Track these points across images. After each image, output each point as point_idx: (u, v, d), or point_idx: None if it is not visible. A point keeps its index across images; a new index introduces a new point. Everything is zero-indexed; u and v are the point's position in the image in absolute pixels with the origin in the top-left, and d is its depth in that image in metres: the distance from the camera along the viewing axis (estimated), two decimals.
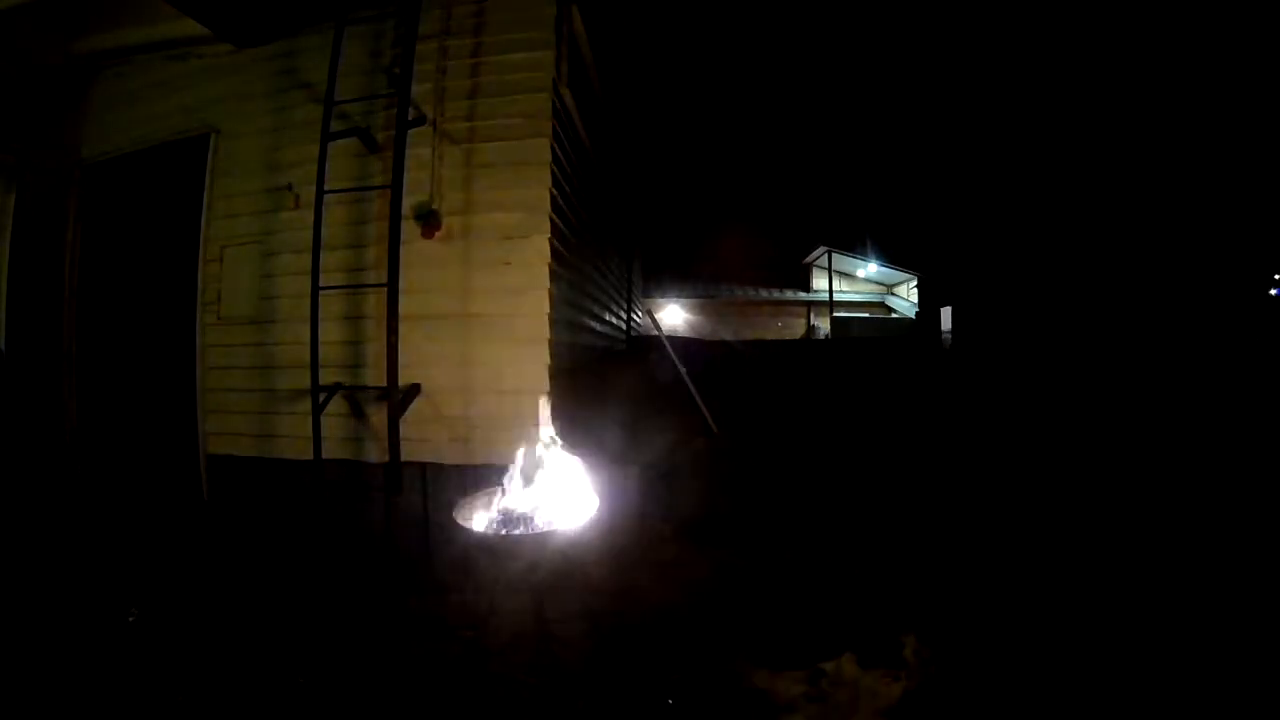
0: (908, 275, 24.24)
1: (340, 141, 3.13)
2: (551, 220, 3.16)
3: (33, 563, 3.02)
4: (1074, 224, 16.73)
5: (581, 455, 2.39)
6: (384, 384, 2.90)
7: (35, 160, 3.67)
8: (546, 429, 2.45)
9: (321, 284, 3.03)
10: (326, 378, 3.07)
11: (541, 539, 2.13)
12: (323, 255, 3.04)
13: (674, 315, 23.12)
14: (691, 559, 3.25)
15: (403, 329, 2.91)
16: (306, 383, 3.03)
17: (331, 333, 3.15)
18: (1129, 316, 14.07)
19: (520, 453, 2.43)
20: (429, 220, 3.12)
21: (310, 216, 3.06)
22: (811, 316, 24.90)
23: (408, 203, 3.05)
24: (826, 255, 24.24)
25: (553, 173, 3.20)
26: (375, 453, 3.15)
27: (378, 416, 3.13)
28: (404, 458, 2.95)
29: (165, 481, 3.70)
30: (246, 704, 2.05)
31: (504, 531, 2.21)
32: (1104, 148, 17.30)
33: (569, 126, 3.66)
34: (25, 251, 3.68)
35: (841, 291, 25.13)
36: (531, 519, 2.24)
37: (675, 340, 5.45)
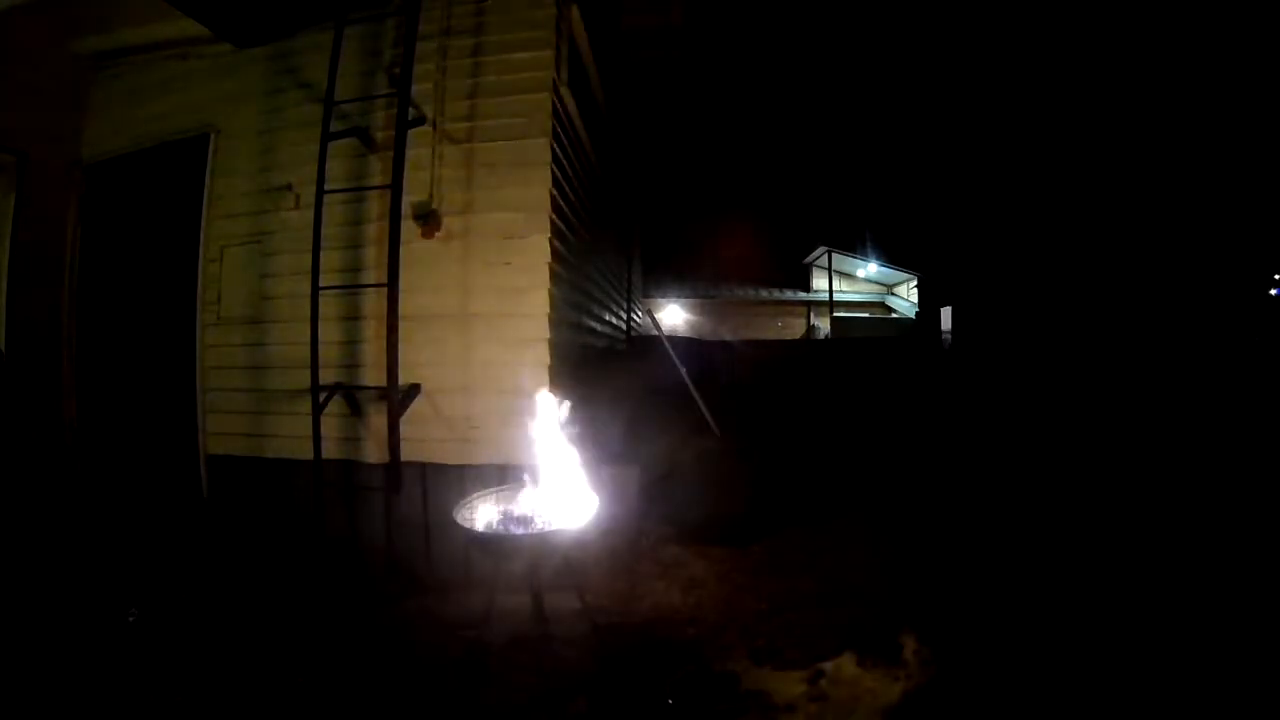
0: (908, 275, 24.25)
1: (340, 141, 3.12)
2: (551, 220, 3.16)
3: (33, 563, 3.02)
4: (1074, 224, 16.73)
5: (582, 454, 2.39)
6: (384, 384, 2.90)
7: (35, 160, 3.67)
8: (555, 409, 2.42)
9: (321, 284, 3.02)
10: (326, 378, 3.07)
11: (541, 539, 2.13)
12: (322, 255, 3.04)
13: (674, 315, 23.12)
14: (691, 559, 3.26)
15: (403, 329, 2.91)
16: (306, 383, 3.03)
17: (331, 333, 3.15)
18: (1129, 316, 14.07)
19: (527, 453, 2.42)
20: (429, 220, 3.12)
21: (310, 216, 3.06)
22: (811, 316, 24.91)
23: (407, 202, 3.04)
24: (826, 255, 24.24)
25: (553, 173, 3.19)
26: (375, 453, 3.15)
27: (378, 416, 3.12)
28: (404, 458, 2.95)
29: (165, 481, 3.70)
30: (246, 704, 2.05)
31: (504, 531, 2.21)
32: (1104, 148, 17.30)
33: (569, 126, 3.66)
34: (25, 251, 3.67)
35: (841, 291, 25.13)
36: (531, 519, 2.24)
37: (675, 340, 5.44)
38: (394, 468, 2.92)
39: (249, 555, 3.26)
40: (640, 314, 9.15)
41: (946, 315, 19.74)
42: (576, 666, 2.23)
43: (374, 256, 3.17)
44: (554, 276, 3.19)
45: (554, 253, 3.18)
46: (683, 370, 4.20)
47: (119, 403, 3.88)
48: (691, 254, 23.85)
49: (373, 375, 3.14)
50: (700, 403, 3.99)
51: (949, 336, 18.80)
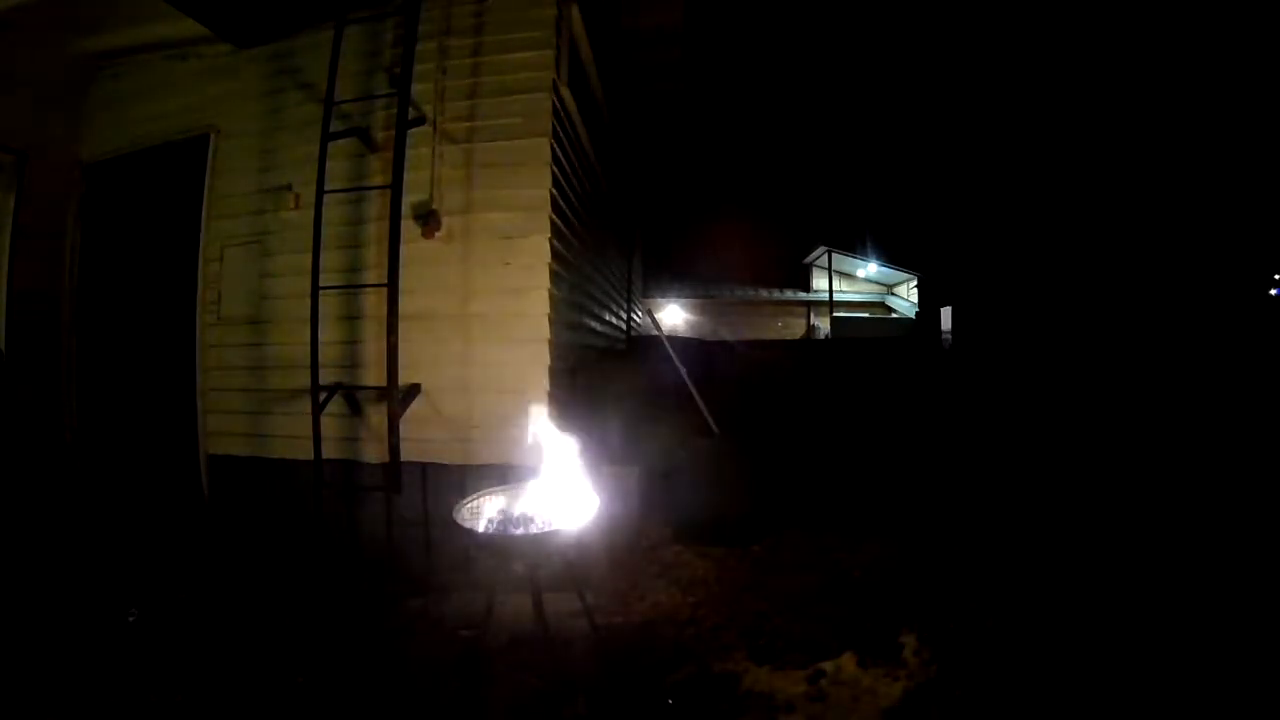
0: (908, 275, 24.25)
1: (340, 141, 3.12)
2: (551, 220, 3.16)
3: (33, 563, 3.02)
4: (1074, 224, 16.73)
5: (582, 454, 2.39)
6: (384, 384, 2.89)
7: (35, 160, 3.67)
8: (555, 409, 2.42)
9: (321, 284, 3.02)
10: (326, 378, 3.06)
11: (541, 539, 2.12)
12: (322, 255, 3.04)
13: (674, 315, 23.10)
14: (692, 559, 3.25)
15: (403, 329, 2.91)
16: (306, 383, 3.03)
17: (331, 333, 3.15)
18: (1129, 316, 14.06)
19: (527, 453, 2.42)
20: (429, 220, 3.12)
21: (310, 216, 3.05)
22: (811, 316, 24.90)
23: (407, 202, 3.04)
24: (826, 255, 24.24)
25: (553, 173, 3.19)
26: (375, 453, 3.15)
27: (378, 416, 3.12)
28: (404, 458, 2.94)
29: (165, 481, 3.70)
30: (246, 703, 2.05)
31: (504, 532, 2.21)
32: (1104, 148, 17.30)
33: (569, 126, 3.66)
34: (25, 251, 3.68)
35: (841, 291, 25.13)
36: (531, 519, 2.24)
37: (675, 340, 5.44)
38: (394, 468, 2.92)
39: (249, 555, 3.26)
40: (640, 314, 9.14)
41: (946, 315, 19.75)
42: (576, 666, 2.22)
43: (374, 256, 3.17)
44: (554, 276, 3.19)
45: (554, 253, 3.18)
46: (683, 370, 4.20)
47: (119, 403, 3.88)
48: (691, 254, 23.86)
49: (373, 375, 3.14)
50: (700, 403, 3.98)
51: (949, 336, 18.80)
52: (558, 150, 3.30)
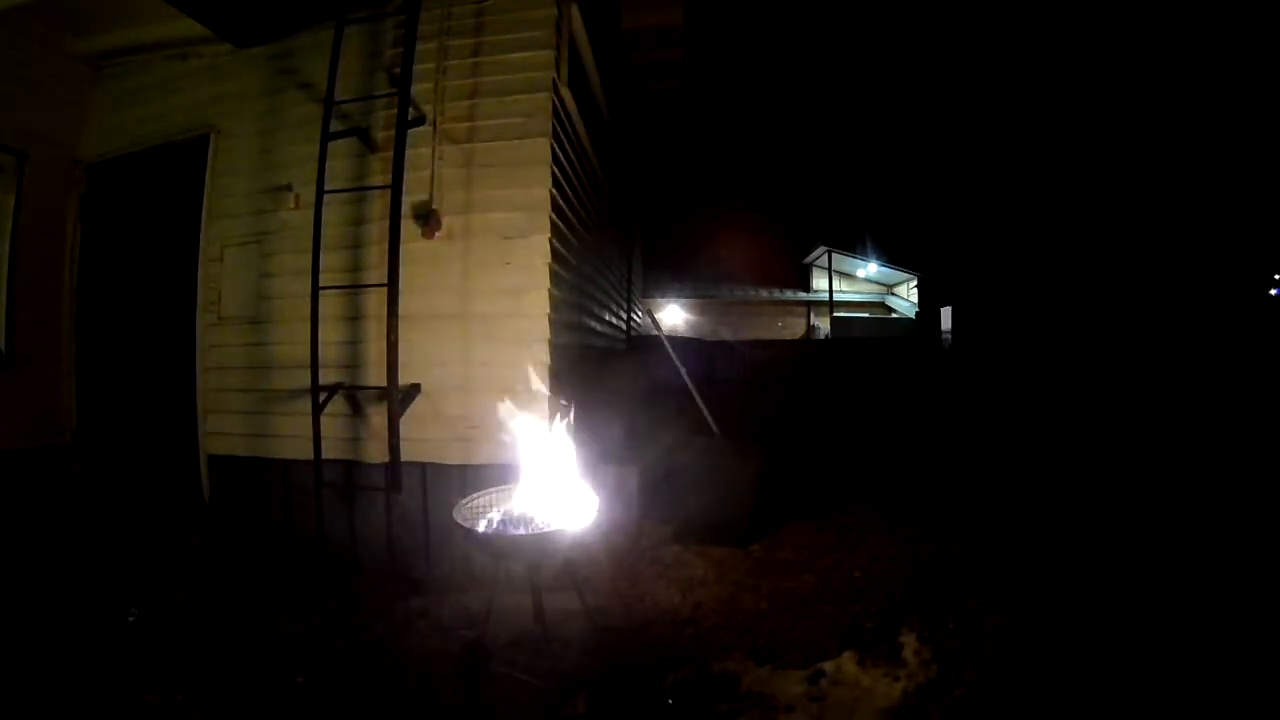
0: (908, 275, 24.25)
1: (340, 141, 3.12)
2: (551, 220, 3.16)
3: (34, 563, 3.02)
4: (1074, 224, 16.74)
5: (582, 454, 2.39)
6: (384, 384, 2.90)
7: (35, 160, 3.67)
8: (555, 409, 2.43)
9: (321, 284, 3.02)
10: (326, 377, 3.07)
11: (541, 539, 2.13)
12: (323, 255, 3.04)
13: (674, 315, 23.09)
14: (692, 559, 3.26)
15: (403, 329, 2.91)
16: (306, 382, 3.03)
17: (331, 333, 3.15)
18: (1129, 316, 14.07)
19: (527, 453, 2.42)
20: (429, 220, 3.12)
21: (310, 216, 3.06)
22: (812, 316, 24.90)
23: (408, 202, 3.04)
24: (826, 255, 24.23)
25: (553, 173, 3.19)
26: (375, 453, 3.15)
27: (378, 416, 3.12)
28: (404, 458, 2.95)
29: (165, 481, 3.70)
30: (246, 704, 2.05)
31: (504, 531, 2.21)
32: (1104, 148, 17.30)
33: (569, 126, 3.66)
34: (25, 251, 3.68)
35: (841, 291, 25.12)
36: (531, 519, 2.24)
37: (675, 340, 5.44)
38: (394, 467, 2.92)
39: (249, 555, 3.27)
40: (640, 314, 9.14)
41: (946, 315, 19.76)
42: (576, 666, 2.23)
43: (374, 256, 3.17)
44: (554, 276, 3.19)
45: (554, 253, 3.18)
46: (683, 370, 4.20)
47: (119, 403, 3.88)
48: (692, 253, 23.82)
49: (373, 375, 3.14)
50: (700, 403, 3.99)
51: (949, 336, 18.81)
52: (558, 150, 3.30)
